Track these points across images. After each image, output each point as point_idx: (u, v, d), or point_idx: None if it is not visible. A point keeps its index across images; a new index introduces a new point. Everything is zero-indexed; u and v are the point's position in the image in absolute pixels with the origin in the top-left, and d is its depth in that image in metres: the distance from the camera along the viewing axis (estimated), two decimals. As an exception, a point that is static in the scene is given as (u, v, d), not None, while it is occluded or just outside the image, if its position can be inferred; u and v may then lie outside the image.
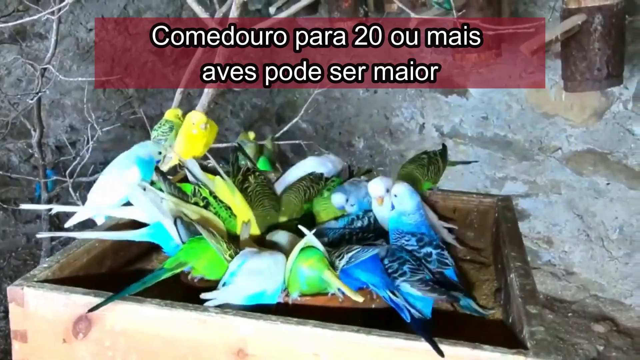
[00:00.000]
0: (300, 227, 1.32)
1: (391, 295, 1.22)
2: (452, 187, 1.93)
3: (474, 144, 3.57)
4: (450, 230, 1.66)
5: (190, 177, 1.58)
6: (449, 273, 1.39)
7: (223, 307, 1.15)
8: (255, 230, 1.50)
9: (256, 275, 1.22)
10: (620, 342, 3.11)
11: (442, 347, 1.02)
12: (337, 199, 1.57)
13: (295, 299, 1.23)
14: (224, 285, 1.22)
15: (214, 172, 1.63)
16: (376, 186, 1.52)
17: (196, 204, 1.48)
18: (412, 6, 2.73)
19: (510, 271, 1.29)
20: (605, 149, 3.18)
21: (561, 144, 3.31)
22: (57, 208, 1.54)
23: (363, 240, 1.45)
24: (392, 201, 1.49)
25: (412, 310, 1.19)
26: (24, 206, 1.53)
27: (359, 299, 1.16)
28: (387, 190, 1.50)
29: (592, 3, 2.23)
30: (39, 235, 1.43)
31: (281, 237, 1.44)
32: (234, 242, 1.37)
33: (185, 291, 1.34)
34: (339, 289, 1.22)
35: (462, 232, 1.74)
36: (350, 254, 1.25)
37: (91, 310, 1.13)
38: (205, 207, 1.48)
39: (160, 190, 1.46)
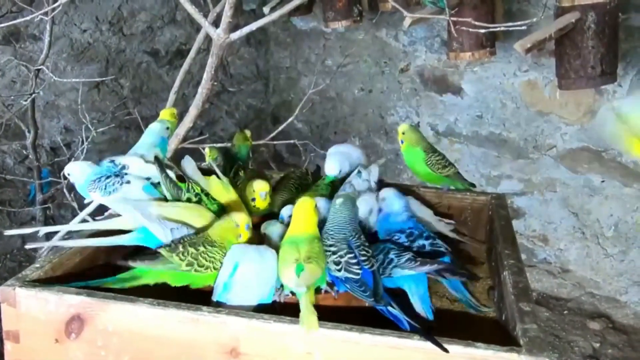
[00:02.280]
0: None
1: (388, 307, 1.22)
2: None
3: (469, 142, 3.57)
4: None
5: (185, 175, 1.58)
6: (445, 260, 1.40)
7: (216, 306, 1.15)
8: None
9: (250, 286, 1.22)
10: (616, 339, 3.11)
11: (434, 345, 1.02)
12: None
13: (287, 296, 1.23)
14: (219, 295, 1.22)
15: (209, 171, 1.64)
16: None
17: (189, 199, 1.48)
18: (406, 5, 2.73)
19: (504, 269, 1.29)
20: (600, 147, 3.18)
21: (556, 141, 3.31)
22: (44, 230, 1.52)
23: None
24: (380, 205, 1.51)
25: (410, 320, 1.19)
26: (8, 232, 1.52)
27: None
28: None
29: (586, 1, 2.23)
30: (28, 246, 1.42)
31: (274, 228, 1.44)
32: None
33: (178, 290, 1.34)
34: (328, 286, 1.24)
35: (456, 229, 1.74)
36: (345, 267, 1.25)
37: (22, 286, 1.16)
38: (198, 202, 1.48)
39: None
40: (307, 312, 1.10)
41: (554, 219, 3.40)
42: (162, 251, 1.26)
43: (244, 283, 1.22)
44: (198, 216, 1.40)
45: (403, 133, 1.84)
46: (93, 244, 1.40)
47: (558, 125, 3.29)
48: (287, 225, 1.38)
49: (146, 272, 1.27)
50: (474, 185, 1.90)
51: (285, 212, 1.49)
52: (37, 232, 1.49)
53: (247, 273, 1.23)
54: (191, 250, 1.26)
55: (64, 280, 1.24)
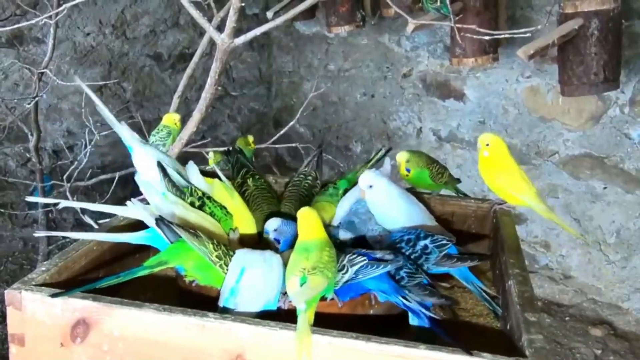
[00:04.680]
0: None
1: (404, 300, 1.22)
2: (449, 192, 1.94)
3: (471, 148, 3.58)
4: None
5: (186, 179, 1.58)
6: (451, 250, 1.41)
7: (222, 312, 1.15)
8: (252, 230, 1.51)
9: (256, 290, 1.22)
10: (618, 346, 3.11)
11: (440, 354, 1.01)
12: (270, 224, 1.51)
13: (291, 301, 1.23)
14: (225, 300, 1.22)
15: (213, 174, 1.64)
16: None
17: (192, 203, 1.48)
18: (409, 11, 2.74)
19: (509, 278, 1.29)
20: (602, 153, 3.18)
21: (558, 148, 3.31)
22: (64, 203, 1.53)
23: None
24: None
25: (426, 312, 1.19)
26: (29, 198, 1.53)
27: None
28: (370, 186, 1.54)
29: (589, 8, 2.24)
30: (36, 234, 1.43)
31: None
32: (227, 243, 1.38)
33: (183, 295, 1.34)
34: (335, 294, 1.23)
35: (459, 238, 1.73)
36: (354, 269, 1.24)
37: (53, 295, 1.14)
38: (201, 206, 1.48)
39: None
40: (303, 332, 1.06)
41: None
42: (202, 234, 1.29)
43: (251, 287, 1.22)
44: (212, 228, 1.42)
45: (407, 161, 1.82)
46: (100, 239, 1.40)
47: (560, 131, 3.29)
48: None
49: (173, 256, 1.28)
50: (459, 181, 1.97)
51: (270, 226, 1.49)
52: (58, 204, 1.50)
53: (254, 277, 1.23)
54: (222, 247, 1.29)
55: (71, 283, 1.24)
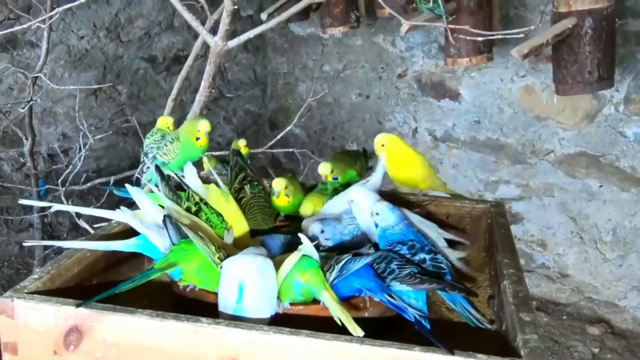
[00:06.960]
0: (300, 235, 1.30)
1: (389, 298, 1.22)
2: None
3: (467, 147, 3.58)
4: (452, 243, 1.63)
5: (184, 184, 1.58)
6: (445, 278, 1.38)
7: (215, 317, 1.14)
8: (246, 237, 1.51)
9: (258, 308, 1.21)
10: (615, 344, 3.11)
11: (435, 356, 1.01)
12: (314, 228, 1.51)
13: (286, 307, 1.22)
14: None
15: (210, 180, 1.63)
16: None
17: (188, 208, 1.47)
18: (403, 11, 2.74)
19: (504, 278, 1.29)
20: (598, 152, 3.19)
21: (553, 147, 3.32)
22: (56, 207, 1.53)
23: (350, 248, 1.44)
24: (374, 220, 1.49)
25: (412, 311, 1.19)
26: (22, 201, 1.53)
27: (359, 333, 1.09)
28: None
29: (583, 7, 2.24)
30: (26, 244, 1.42)
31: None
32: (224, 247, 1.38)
33: (177, 301, 1.34)
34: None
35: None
36: (340, 265, 1.24)
37: (79, 305, 1.13)
38: (197, 212, 1.48)
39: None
40: (339, 310, 1.16)
41: (552, 223, 3.40)
42: (205, 236, 1.30)
43: (252, 306, 1.20)
44: (206, 234, 1.41)
45: (332, 171, 1.79)
46: (90, 247, 1.39)
47: (555, 130, 3.29)
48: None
49: (181, 257, 1.28)
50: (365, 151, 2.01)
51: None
52: (48, 209, 1.49)
53: (254, 294, 1.21)
54: (223, 251, 1.29)
55: (64, 291, 1.24)
